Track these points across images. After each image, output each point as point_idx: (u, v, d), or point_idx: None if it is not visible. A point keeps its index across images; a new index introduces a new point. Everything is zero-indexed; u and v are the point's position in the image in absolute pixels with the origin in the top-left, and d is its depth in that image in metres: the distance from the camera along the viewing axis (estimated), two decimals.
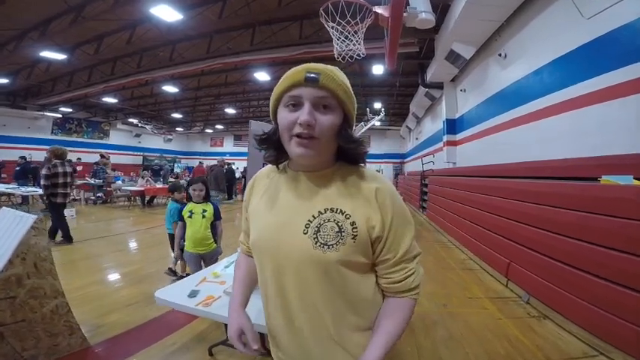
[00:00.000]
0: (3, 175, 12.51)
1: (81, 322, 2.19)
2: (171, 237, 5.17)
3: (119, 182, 11.00)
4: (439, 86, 8.40)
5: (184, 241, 2.88)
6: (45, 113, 15.94)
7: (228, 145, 25.14)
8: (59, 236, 5.17)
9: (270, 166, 0.90)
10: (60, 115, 16.98)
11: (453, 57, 6.09)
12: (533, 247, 3.22)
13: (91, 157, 14.89)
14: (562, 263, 2.77)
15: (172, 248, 5.16)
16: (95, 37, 8.46)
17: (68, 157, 5.66)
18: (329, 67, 0.75)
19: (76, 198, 10.73)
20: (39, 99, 13.88)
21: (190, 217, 2.83)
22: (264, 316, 0.89)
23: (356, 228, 0.73)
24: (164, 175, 15.98)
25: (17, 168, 10.14)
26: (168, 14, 6.44)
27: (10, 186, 8.92)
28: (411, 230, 0.80)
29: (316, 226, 0.74)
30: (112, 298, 3.06)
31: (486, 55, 5.90)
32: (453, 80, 7.93)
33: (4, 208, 2.34)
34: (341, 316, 0.75)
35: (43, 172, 4.55)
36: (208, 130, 24.03)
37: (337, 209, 0.75)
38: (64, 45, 8.50)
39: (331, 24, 3.77)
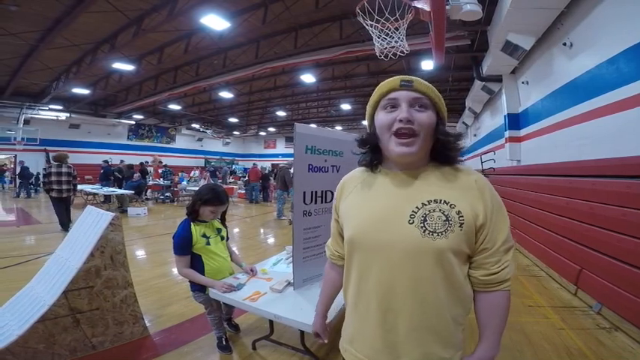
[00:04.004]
0: (87, 177, 14.32)
1: (144, 312, 2.40)
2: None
3: (184, 183, 12.01)
4: (497, 79, 7.81)
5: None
6: (121, 120, 18.04)
7: (280, 147, 26.06)
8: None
9: (359, 169, 0.95)
10: (134, 122, 19.05)
11: (510, 48, 5.61)
12: (611, 252, 2.88)
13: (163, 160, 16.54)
14: None
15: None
16: (156, 48, 9.38)
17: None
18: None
19: (149, 197, 11.93)
20: (116, 107, 15.72)
21: (208, 244, 2.06)
22: (347, 319, 0.91)
23: (462, 217, 0.75)
24: (223, 177, 17.01)
25: (101, 171, 11.54)
26: (216, 23, 6.95)
27: (95, 187, 10.22)
28: (508, 220, 0.81)
29: (422, 216, 0.75)
30: (173, 290, 3.32)
31: (549, 45, 5.37)
32: (513, 72, 7.30)
33: (89, 206, 2.68)
34: (444, 305, 0.76)
35: (42, 171, 5.75)
36: (262, 133, 25.12)
37: (441, 200, 0.77)
38: (131, 56, 9.55)
39: (370, 22, 3.68)
